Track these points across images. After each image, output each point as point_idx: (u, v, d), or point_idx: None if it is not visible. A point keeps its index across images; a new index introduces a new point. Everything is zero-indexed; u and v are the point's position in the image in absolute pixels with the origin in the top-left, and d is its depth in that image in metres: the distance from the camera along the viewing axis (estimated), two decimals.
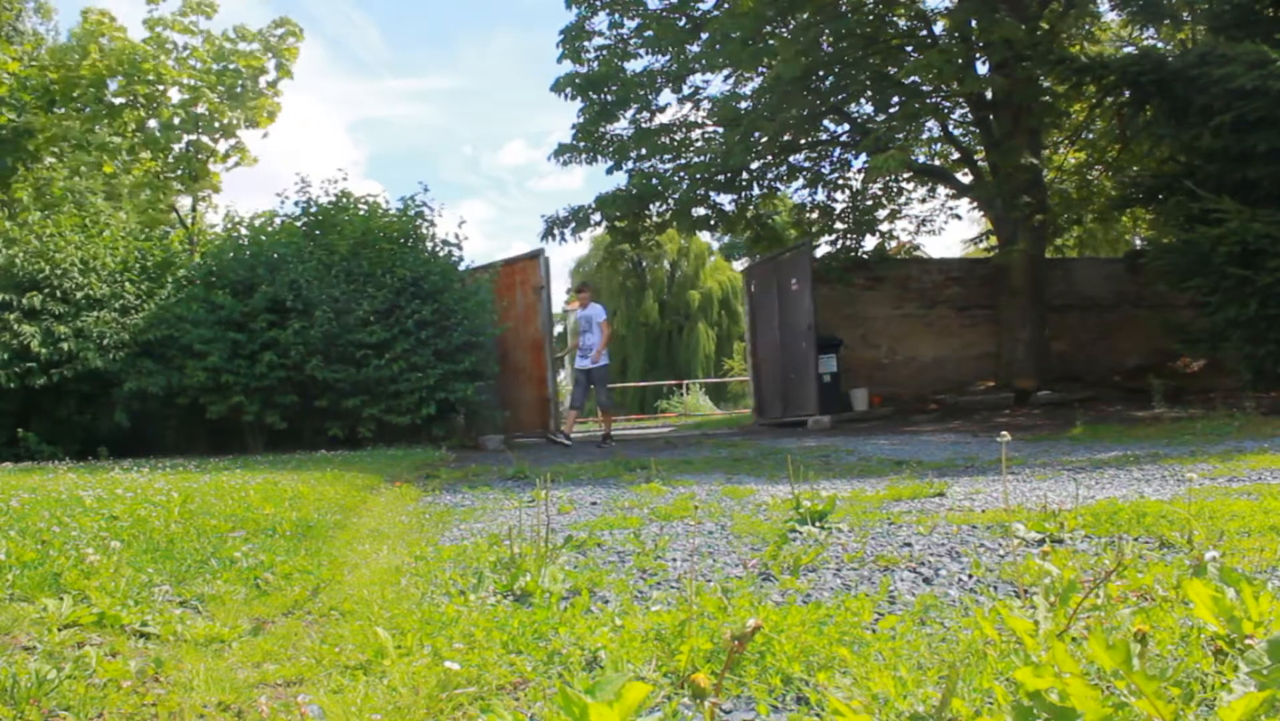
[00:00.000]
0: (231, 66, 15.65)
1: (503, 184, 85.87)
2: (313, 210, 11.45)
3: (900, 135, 12.53)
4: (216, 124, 15.95)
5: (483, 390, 10.72)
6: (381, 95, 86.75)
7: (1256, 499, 3.40)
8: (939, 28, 13.40)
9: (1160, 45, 13.25)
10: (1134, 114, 11.03)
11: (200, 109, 15.70)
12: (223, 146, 16.47)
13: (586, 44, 14.04)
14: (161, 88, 15.54)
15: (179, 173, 16.26)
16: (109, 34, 14.94)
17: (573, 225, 14.08)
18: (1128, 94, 10.65)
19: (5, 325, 9.81)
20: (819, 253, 13.92)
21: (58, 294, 10.22)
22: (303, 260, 10.57)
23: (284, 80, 16.46)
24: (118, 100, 15.28)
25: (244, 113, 16.00)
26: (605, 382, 10.78)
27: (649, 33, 13.74)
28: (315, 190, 11.56)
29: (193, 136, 16.05)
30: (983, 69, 12.71)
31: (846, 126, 14.26)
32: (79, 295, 10.35)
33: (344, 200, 11.48)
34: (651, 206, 14.28)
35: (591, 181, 42.96)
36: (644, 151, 14.22)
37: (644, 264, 39.05)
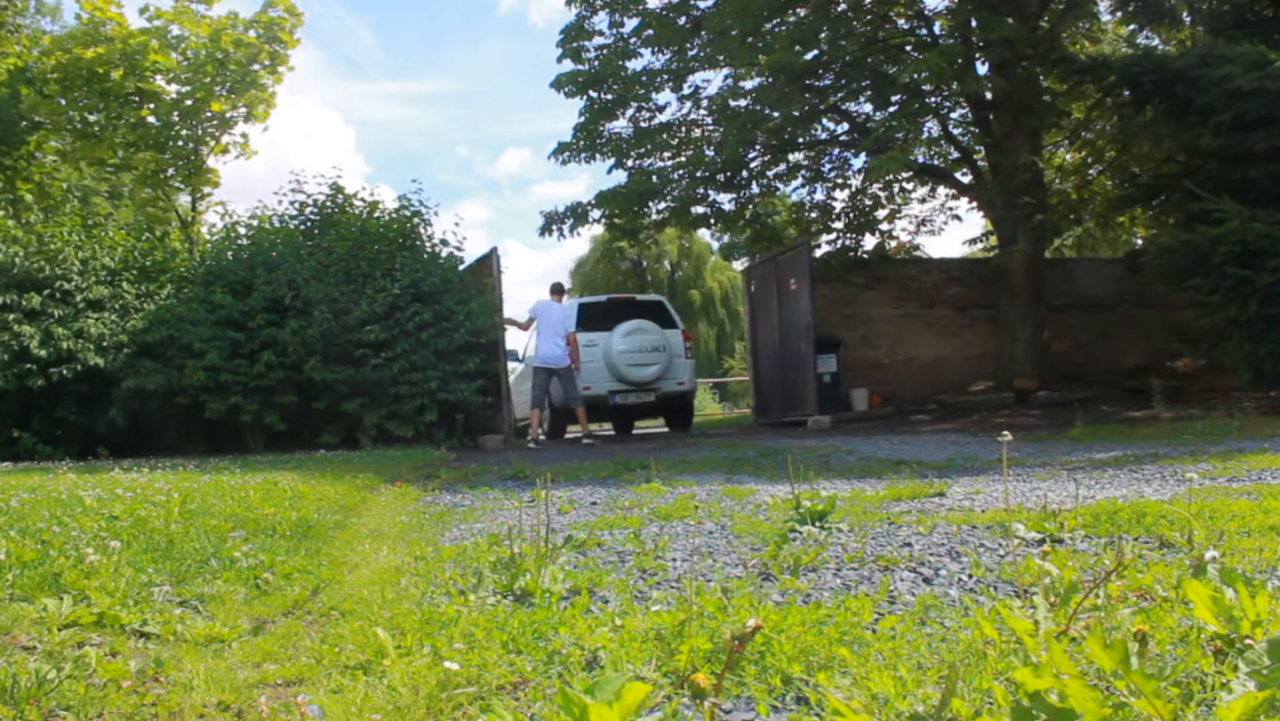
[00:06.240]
0: (231, 54, 15.45)
1: (499, 186, 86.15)
2: (309, 209, 11.42)
3: (900, 135, 12.53)
4: (213, 115, 15.81)
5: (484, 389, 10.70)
6: (376, 98, 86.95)
7: (1256, 499, 3.40)
8: (939, 27, 13.40)
9: (1159, 45, 13.25)
10: (1134, 114, 11.02)
11: (198, 100, 15.58)
12: (224, 139, 16.39)
13: (586, 43, 14.04)
14: (160, 80, 15.44)
15: (179, 165, 16.14)
16: (109, 19, 14.83)
17: (571, 221, 14.07)
18: (1128, 94, 10.64)
19: (4, 325, 9.78)
20: (819, 252, 13.91)
21: (57, 294, 10.19)
22: (300, 259, 10.55)
23: (282, 66, 16.19)
24: (118, 94, 15.21)
25: (245, 98, 15.77)
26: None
27: (649, 31, 13.74)
28: (310, 187, 11.54)
29: (192, 132, 15.96)
30: (982, 69, 12.71)
31: (845, 125, 14.25)
32: (79, 296, 10.32)
33: (339, 197, 11.45)
34: (651, 204, 14.28)
35: (592, 188, 43.12)
36: (644, 150, 14.22)
37: (645, 264, 39.02)
